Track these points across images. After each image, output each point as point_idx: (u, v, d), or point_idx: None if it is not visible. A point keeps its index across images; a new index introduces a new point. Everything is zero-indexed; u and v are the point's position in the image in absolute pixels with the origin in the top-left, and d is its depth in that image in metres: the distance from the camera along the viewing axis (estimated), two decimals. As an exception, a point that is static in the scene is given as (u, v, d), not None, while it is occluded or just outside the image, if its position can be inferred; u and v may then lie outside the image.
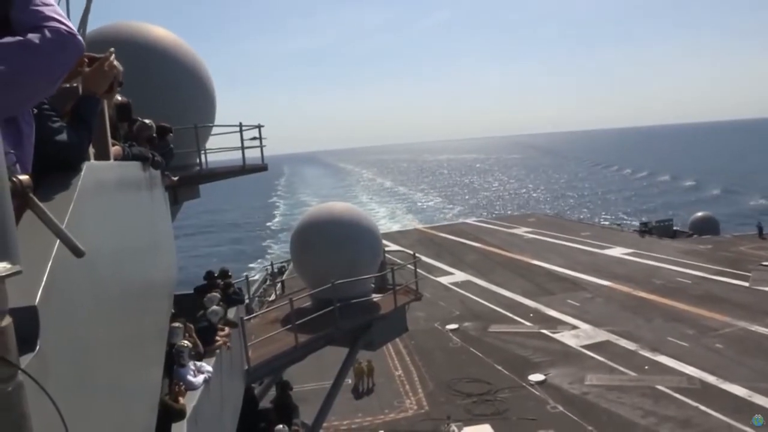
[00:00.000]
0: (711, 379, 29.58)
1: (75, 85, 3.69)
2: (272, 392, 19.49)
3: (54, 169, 3.03)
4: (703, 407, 26.82)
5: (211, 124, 15.77)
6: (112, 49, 3.86)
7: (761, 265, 50.27)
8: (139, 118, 7.00)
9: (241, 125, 16.06)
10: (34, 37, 2.55)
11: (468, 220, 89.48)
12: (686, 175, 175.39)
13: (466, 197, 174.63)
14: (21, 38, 2.52)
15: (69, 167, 3.14)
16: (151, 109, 8.17)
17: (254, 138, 16.60)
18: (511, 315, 42.10)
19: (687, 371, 30.63)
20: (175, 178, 6.91)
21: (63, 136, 3.17)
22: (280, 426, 15.43)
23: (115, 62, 3.87)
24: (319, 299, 17.97)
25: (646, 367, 31.58)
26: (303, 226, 20.97)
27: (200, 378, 9.73)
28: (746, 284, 45.53)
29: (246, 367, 14.29)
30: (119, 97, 5.92)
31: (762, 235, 62.85)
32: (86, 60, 3.71)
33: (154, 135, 6.83)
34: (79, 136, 3.32)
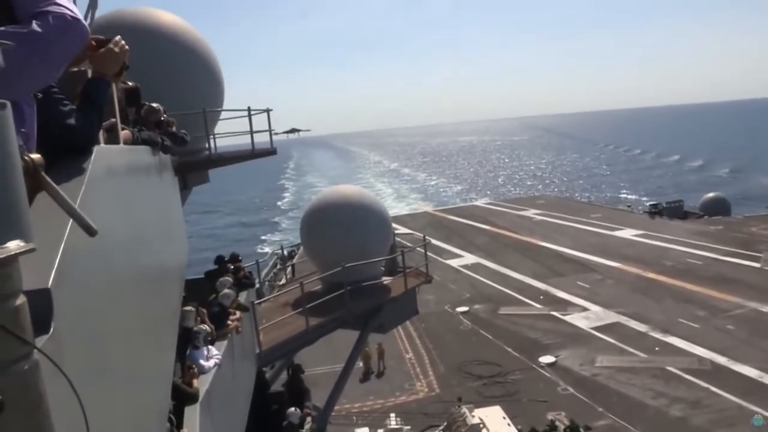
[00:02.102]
0: (722, 360, 29.53)
1: (84, 69, 3.68)
2: (284, 375, 19.63)
3: (64, 153, 3.03)
4: (713, 388, 26.81)
5: (219, 109, 15.74)
6: (119, 37, 3.84)
7: (772, 246, 49.99)
8: (147, 103, 7.01)
9: (249, 109, 16.01)
10: (37, 23, 2.54)
11: (477, 203, 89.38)
12: (697, 155, 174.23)
13: (474, 178, 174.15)
14: (24, 27, 2.51)
15: (79, 150, 3.14)
16: (159, 95, 8.18)
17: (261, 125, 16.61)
18: (521, 297, 42.12)
19: (698, 352, 30.60)
20: (175, 157, 6.90)
21: (72, 120, 3.16)
22: (292, 409, 15.54)
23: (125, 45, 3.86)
24: (330, 282, 18.01)
25: (657, 349, 31.57)
26: (313, 210, 20.98)
27: (211, 362, 9.81)
28: (758, 265, 45.29)
29: (257, 351, 14.36)
30: (129, 83, 5.92)
31: (773, 216, 62.48)
32: (94, 43, 3.69)
33: (163, 118, 6.82)
34: (89, 119, 3.30)
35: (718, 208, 68.64)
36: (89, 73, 3.66)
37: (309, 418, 16.02)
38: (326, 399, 18.87)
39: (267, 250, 57.56)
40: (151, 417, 4.15)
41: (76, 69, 3.62)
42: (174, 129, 7.34)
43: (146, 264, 4.46)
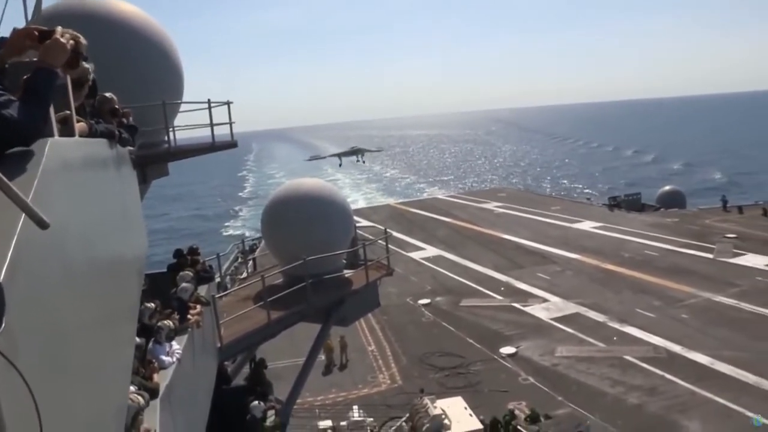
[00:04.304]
0: (676, 348, 30.25)
1: (30, 59, 3.59)
2: (246, 369, 19.53)
3: (6, 146, 2.93)
4: (668, 376, 27.47)
5: (179, 101, 15.53)
6: (60, 28, 3.73)
7: (724, 238, 51.33)
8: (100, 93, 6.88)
9: (209, 102, 15.83)
10: None
11: (439, 195, 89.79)
12: (654, 149, 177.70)
13: (431, 171, 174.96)
14: None
15: (19, 143, 3.02)
16: (116, 86, 8.05)
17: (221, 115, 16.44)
18: (482, 289, 42.51)
19: (653, 341, 31.29)
20: (132, 148, 6.79)
21: (9, 111, 3.02)
22: (256, 402, 15.48)
23: (78, 36, 3.78)
24: (291, 276, 17.95)
25: (615, 338, 32.20)
26: (274, 203, 20.84)
27: (173, 358, 9.75)
28: (710, 256, 46.47)
29: (219, 345, 14.27)
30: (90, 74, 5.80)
31: (726, 208, 64.18)
32: (36, 33, 3.59)
33: (117, 107, 6.71)
34: (29, 110, 3.14)
35: (673, 201, 70.22)
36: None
37: (272, 412, 15.96)
38: (289, 392, 18.84)
39: (228, 243, 57.03)
40: (108, 412, 4.11)
41: (23, 60, 3.54)
42: (130, 121, 7.23)
43: (103, 258, 4.40)
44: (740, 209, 63.14)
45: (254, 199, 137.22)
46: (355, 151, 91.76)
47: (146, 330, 9.68)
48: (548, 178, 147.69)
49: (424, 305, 39.75)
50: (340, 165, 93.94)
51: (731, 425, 23.24)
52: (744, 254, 45.98)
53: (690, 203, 71.82)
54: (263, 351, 19.87)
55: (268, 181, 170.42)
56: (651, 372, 28.04)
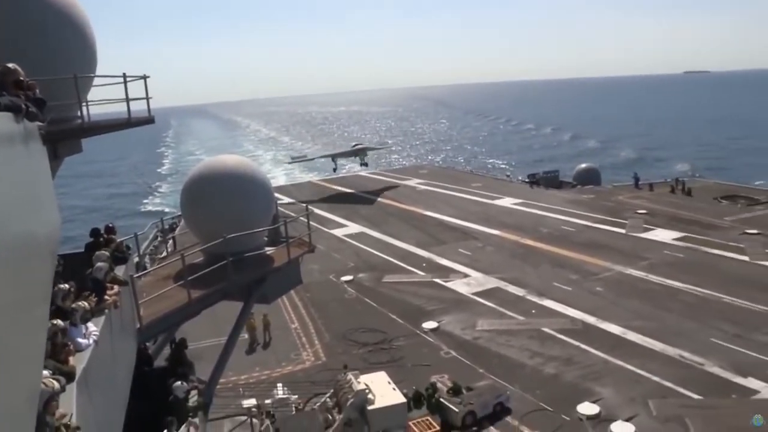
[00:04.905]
0: (591, 319, 31.43)
1: None
2: (168, 350, 19.16)
3: None
4: (584, 346, 28.53)
5: (92, 74, 14.90)
6: None
7: (636, 214, 53.68)
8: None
9: (125, 76, 15.25)
10: None
11: (362, 173, 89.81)
12: (573, 128, 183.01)
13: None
14: None
15: None
16: (23, 57, 7.67)
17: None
18: (404, 265, 42.92)
19: (570, 313, 32.40)
20: (42, 123, 6.49)
21: None
22: (179, 383, 15.23)
23: None
24: (212, 254, 17.63)
25: (533, 311, 33.13)
26: (193, 180, 20.34)
27: (90, 339, 9.46)
28: (623, 231, 48.49)
29: (138, 326, 13.92)
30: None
31: (638, 185, 67.13)
32: None
33: (22, 78, 6.40)
34: None
35: (590, 178, 72.77)
36: None
37: (194, 392, 15.75)
38: (211, 372, 18.61)
39: (148, 221, 55.65)
40: (20, 398, 3.96)
41: None
42: (37, 93, 6.88)
43: (10, 238, 4.21)
44: (651, 186, 66.10)
45: (174, 175, 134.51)
46: (356, 152, 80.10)
47: (61, 312, 9.36)
48: (468, 155, 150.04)
49: (347, 282, 39.84)
50: (334, 170, 79.34)
51: (639, 389, 24.38)
52: (653, 229, 48.21)
53: (605, 180, 74.45)
54: (185, 331, 19.51)
55: (187, 158, 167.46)
56: (567, 343, 29.04)
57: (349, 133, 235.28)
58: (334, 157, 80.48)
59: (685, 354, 27.08)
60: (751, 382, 24.46)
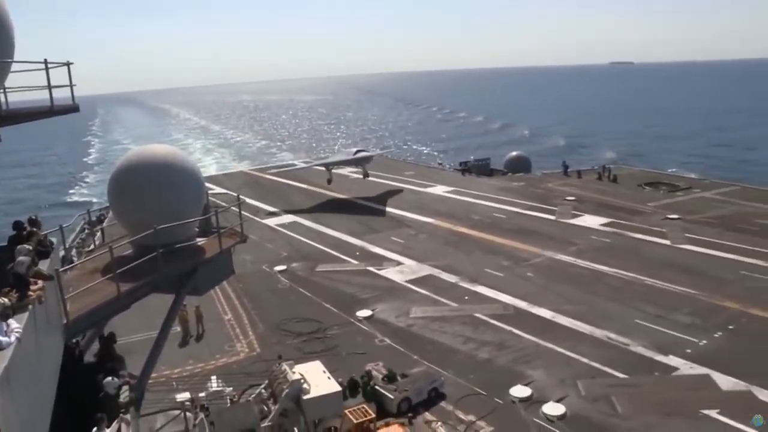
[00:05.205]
0: (523, 305, 32.11)
1: None
2: (97, 346, 18.62)
3: None
4: (516, 330, 29.13)
5: (9, 60, 14.25)
6: None
7: (565, 200, 55.13)
8: None
9: (46, 62, 14.65)
10: None
11: (296, 163, 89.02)
12: (504, 116, 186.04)
13: (283, 136, 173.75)
14: None
15: None
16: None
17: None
18: (337, 254, 42.89)
19: (502, 299, 33.00)
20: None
21: None
22: (109, 378, 14.84)
23: None
24: (142, 246, 17.18)
25: (466, 298, 33.61)
26: (121, 170, 19.73)
27: (12, 337, 9.09)
28: (553, 218, 49.67)
29: (65, 321, 13.47)
30: None
31: (566, 173, 68.86)
32: None
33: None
34: None
35: (520, 166, 74.35)
36: None
37: (125, 387, 15.37)
38: (142, 366, 18.19)
39: (74, 213, 53.85)
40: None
41: None
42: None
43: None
44: (579, 174, 67.92)
45: (101, 165, 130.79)
46: (357, 160, 64.30)
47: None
48: (399, 142, 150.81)
49: (280, 272, 39.54)
50: (329, 181, 62.64)
51: (569, 371, 25.09)
52: (582, 215, 49.68)
53: (535, 167, 76.06)
54: (116, 326, 19.00)
55: (115, 147, 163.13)
56: (500, 328, 29.57)
57: (281, 122, 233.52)
58: (328, 165, 65.75)
59: (612, 335, 28.01)
60: (672, 360, 25.53)
